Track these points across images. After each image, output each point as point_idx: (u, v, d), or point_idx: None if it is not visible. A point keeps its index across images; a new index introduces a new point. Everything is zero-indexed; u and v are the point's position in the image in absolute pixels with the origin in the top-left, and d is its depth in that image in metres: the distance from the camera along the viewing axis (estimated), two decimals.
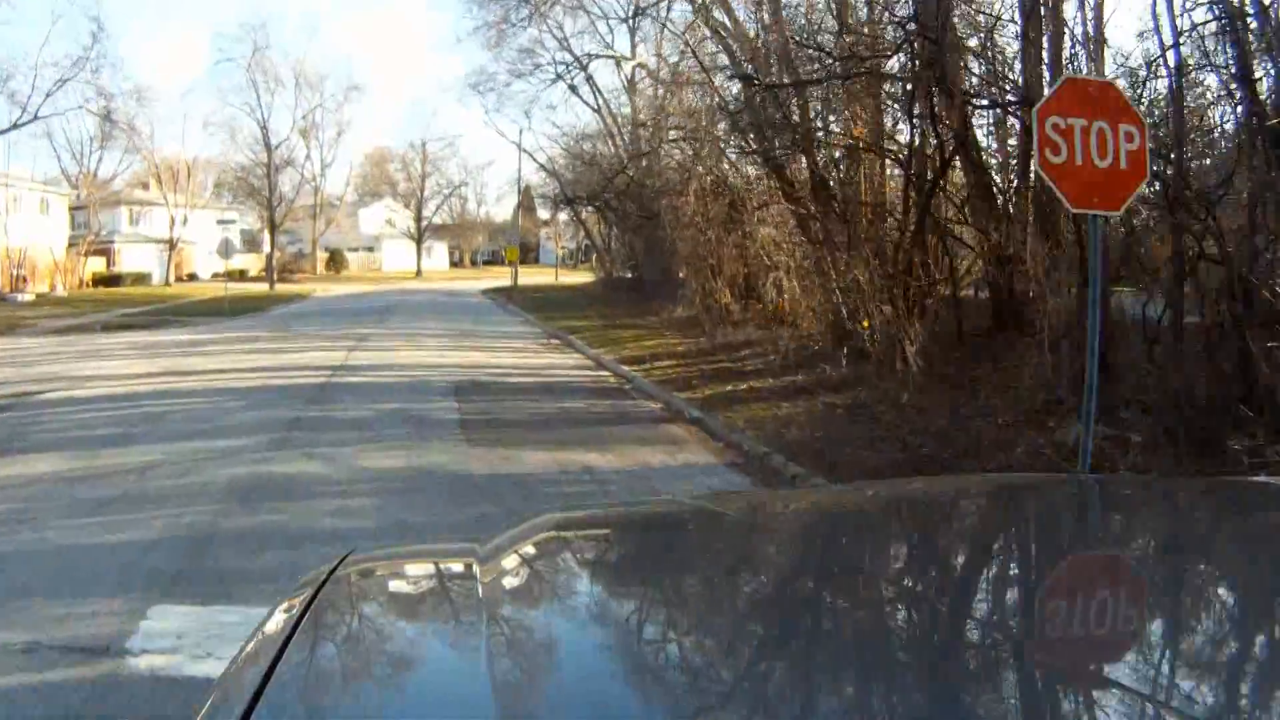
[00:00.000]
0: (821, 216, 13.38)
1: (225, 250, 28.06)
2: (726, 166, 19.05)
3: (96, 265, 47.18)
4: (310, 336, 19.11)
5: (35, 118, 35.45)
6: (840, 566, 1.41)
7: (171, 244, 49.95)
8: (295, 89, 55.83)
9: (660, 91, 31.88)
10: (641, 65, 32.69)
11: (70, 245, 43.93)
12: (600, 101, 37.53)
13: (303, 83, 56.19)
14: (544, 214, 65.66)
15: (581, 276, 53.32)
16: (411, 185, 68.55)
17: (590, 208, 40.19)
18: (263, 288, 45.98)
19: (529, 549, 1.48)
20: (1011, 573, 1.43)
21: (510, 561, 1.40)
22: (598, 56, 35.95)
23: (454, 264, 76.54)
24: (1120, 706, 0.88)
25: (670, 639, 1.12)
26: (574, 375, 13.13)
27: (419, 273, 65.05)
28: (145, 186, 53.13)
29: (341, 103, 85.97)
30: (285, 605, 1.22)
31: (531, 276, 45.84)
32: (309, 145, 59.43)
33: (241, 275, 56.10)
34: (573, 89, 39.51)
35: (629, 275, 33.76)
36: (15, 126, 35.06)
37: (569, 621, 1.20)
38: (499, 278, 52.67)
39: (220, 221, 30.19)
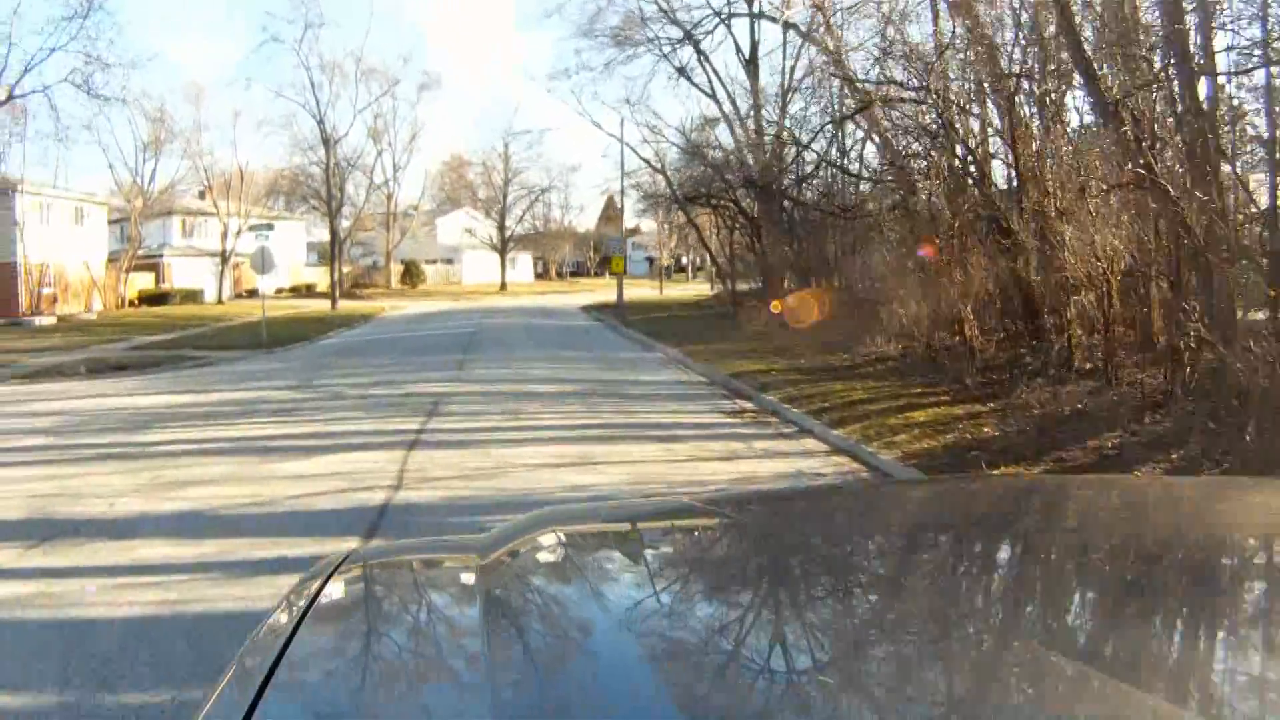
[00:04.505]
0: None
1: (261, 263, 21.31)
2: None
3: (145, 282, 41.91)
4: (346, 401, 11.95)
5: (10, 97, 29.46)
6: (845, 566, 1.34)
7: (224, 257, 44.15)
8: (356, 78, 49.45)
9: (807, 61, 24.50)
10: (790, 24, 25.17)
11: (111, 260, 38.55)
12: (717, 84, 30.44)
13: (364, 70, 49.76)
14: (631, 222, 58.74)
15: (683, 289, 46.45)
16: (492, 192, 62.12)
17: (710, 206, 33.20)
18: (324, 306, 39.66)
19: (530, 546, 1.43)
20: (1011, 571, 1.36)
21: (511, 559, 1.36)
22: (733, 15, 28.67)
23: (539, 275, 70.09)
24: (1125, 707, 0.86)
25: (672, 637, 1.07)
26: None
27: (503, 286, 58.54)
28: (203, 195, 47.49)
29: (415, 100, 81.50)
30: (288, 602, 1.19)
31: (630, 290, 38.82)
32: (380, 147, 53.30)
33: (309, 290, 50.51)
34: (681, 71, 32.45)
35: (759, 287, 27.16)
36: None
37: (570, 619, 1.16)
38: (593, 291, 46.02)
39: (254, 228, 23.36)
